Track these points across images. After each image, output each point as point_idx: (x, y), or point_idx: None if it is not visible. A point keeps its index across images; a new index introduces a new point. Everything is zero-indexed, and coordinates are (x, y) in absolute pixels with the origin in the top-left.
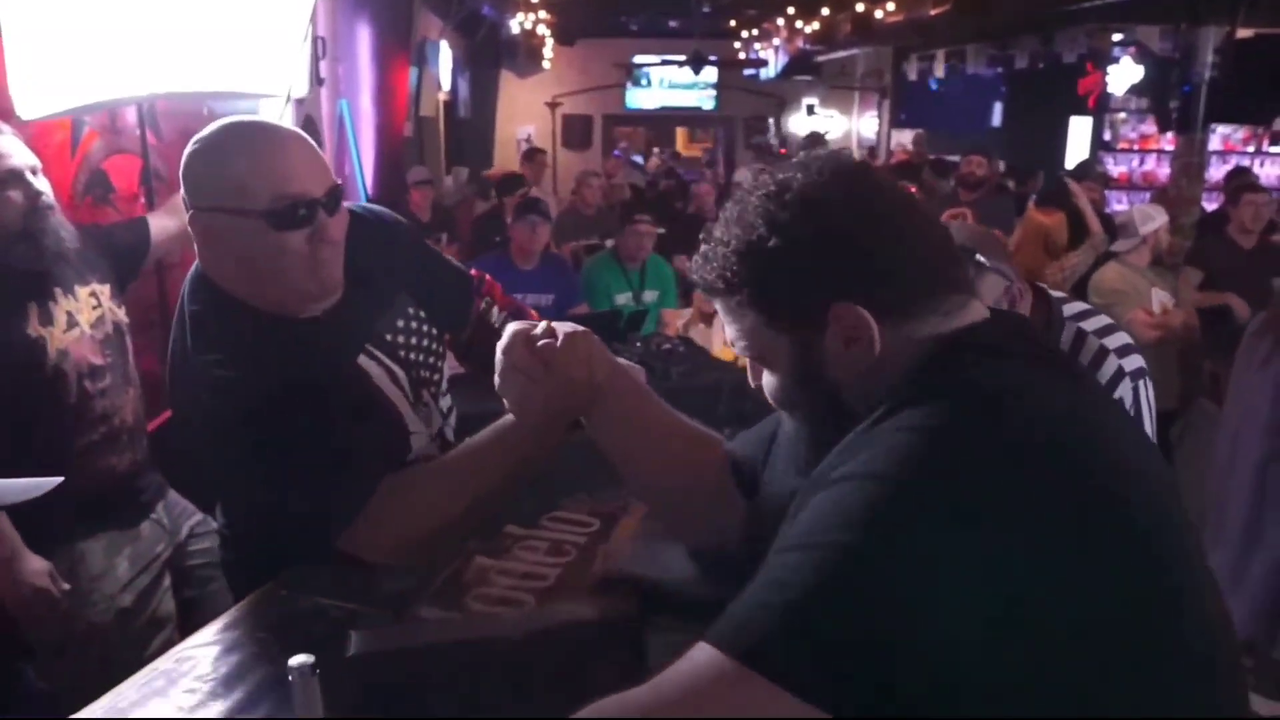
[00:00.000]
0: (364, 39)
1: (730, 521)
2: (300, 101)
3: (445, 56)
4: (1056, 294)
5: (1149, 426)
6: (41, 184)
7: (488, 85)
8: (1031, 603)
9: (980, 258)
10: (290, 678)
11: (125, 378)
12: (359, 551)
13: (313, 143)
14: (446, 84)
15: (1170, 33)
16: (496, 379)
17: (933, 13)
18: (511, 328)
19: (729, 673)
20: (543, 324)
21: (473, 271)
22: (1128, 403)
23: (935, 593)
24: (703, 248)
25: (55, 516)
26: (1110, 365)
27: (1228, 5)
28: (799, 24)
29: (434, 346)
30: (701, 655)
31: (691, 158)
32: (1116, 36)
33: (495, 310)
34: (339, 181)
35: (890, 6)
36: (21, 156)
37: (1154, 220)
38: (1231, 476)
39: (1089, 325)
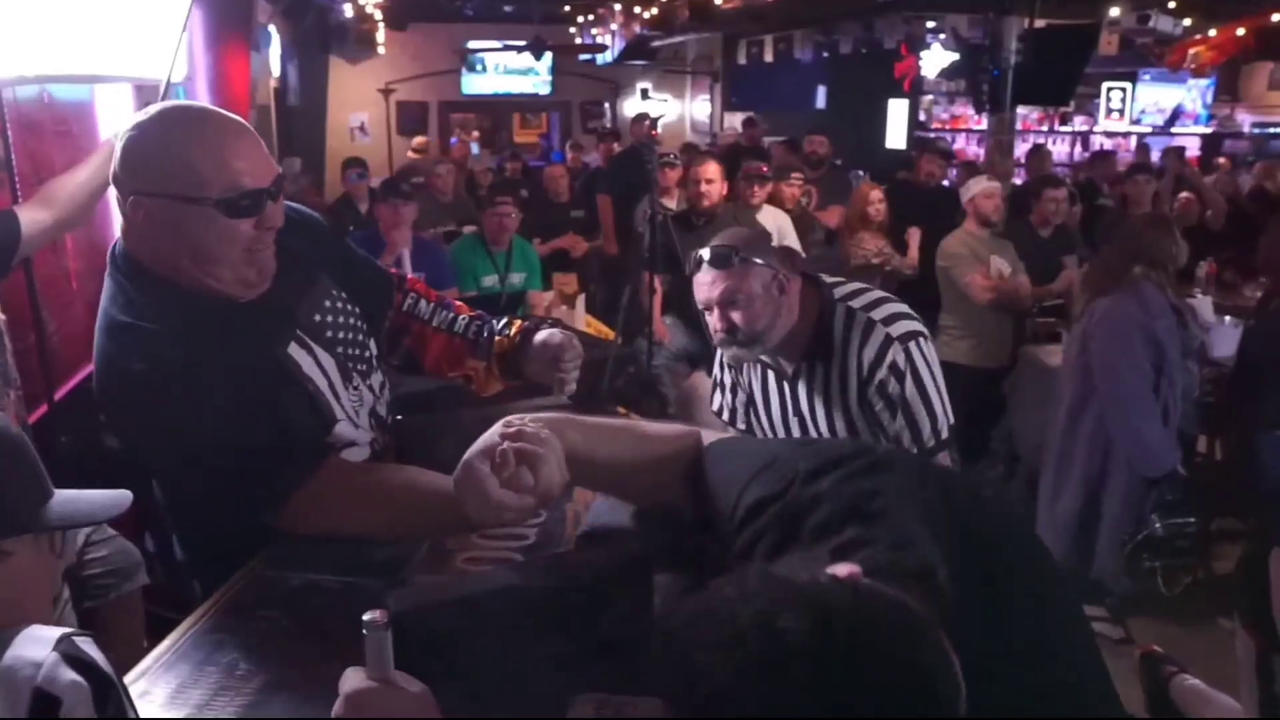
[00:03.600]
0: (195, 21)
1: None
2: (140, 88)
3: (274, 42)
4: (829, 279)
5: (930, 381)
6: None
7: (317, 72)
8: None
9: (744, 255)
10: (365, 632)
11: (4, 379)
12: (297, 527)
13: (255, 132)
14: (276, 70)
15: (979, 21)
16: (459, 488)
17: None
18: (477, 461)
19: None
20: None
21: (392, 270)
22: (901, 363)
23: None
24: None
25: None
26: (878, 335)
27: None
28: (637, 9)
29: (359, 324)
30: None
31: (527, 143)
32: (931, 24)
33: (423, 303)
34: (280, 170)
35: None
36: None
37: (971, 190)
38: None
39: (857, 303)
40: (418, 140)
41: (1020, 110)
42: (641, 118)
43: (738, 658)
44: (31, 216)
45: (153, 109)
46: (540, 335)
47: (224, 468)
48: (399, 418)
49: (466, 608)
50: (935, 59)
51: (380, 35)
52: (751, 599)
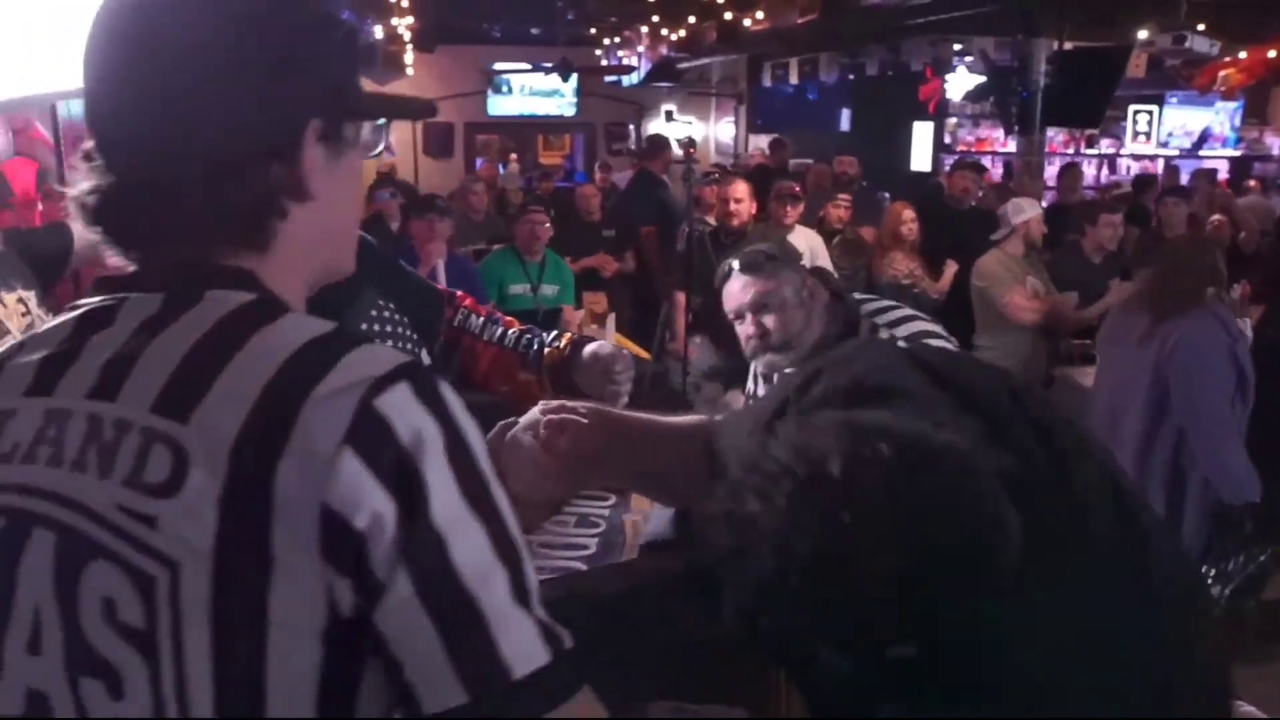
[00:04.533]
0: None
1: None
2: None
3: None
4: (859, 295)
5: None
6: None
7: None
8: None
9: (775, 259)
10: None
11: None
12: None
13: None
14: None
15: (1007, 44)
16: (503, 458)
17: (800, 20)
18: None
19: None
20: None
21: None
22: None
23: None
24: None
25: None
26: None
27: (1055, 20)
28: (664, 31)
29: (408, 334)
30: None
31: (551, 165)
32: (957, 46)
33: (473, 317)
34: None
35: (759, 15)
36: None
37: (1025, 212)
38: (1117, 448)
39: (882, 320)
40: (385, 160)
41: (1048, 132)
42: (657, 141)
43: (789, 492)
44: (83, 230)
45: None
46: (590, 347)
47: None
48: None
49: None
50: (960, 81)
51: (408, 57)
52: (794, 441)
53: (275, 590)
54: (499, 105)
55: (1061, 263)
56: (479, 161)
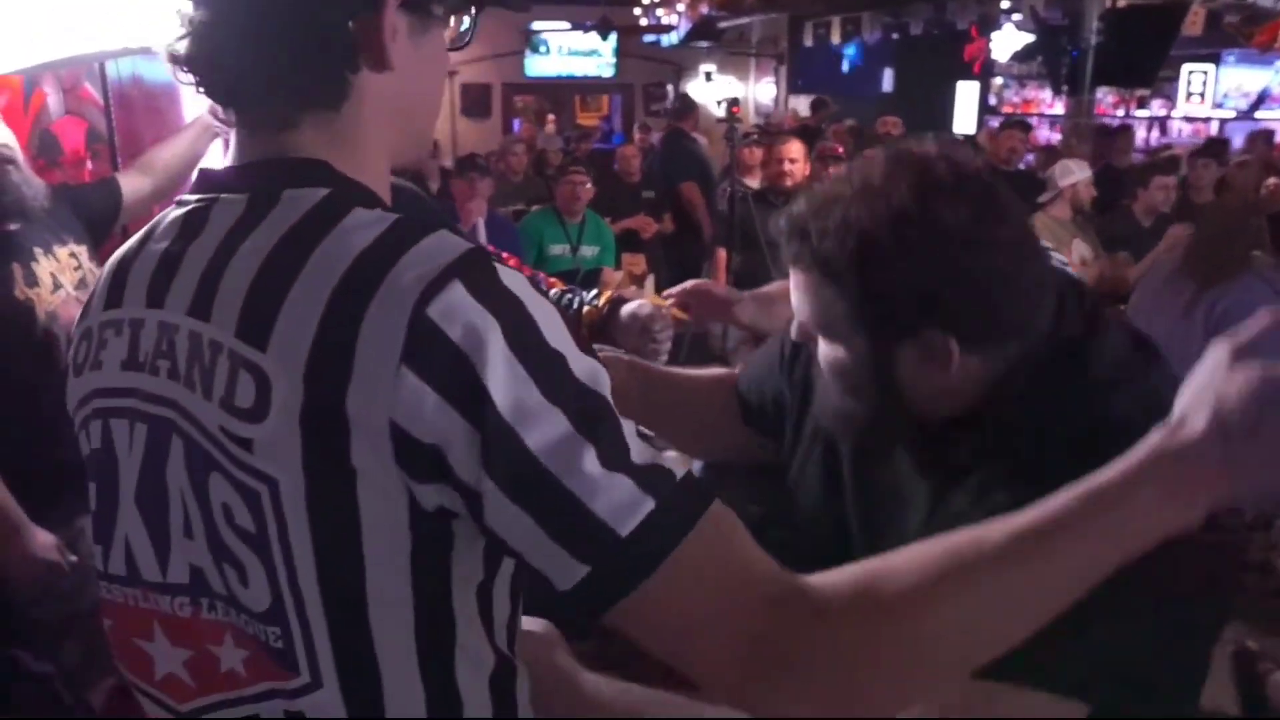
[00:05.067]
0: None
1: (734, 441)
2: None
3: None
4: None
5: None
6: (3, 134)
7: None
8: None
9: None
10: None
11: None
12: None
13: None
14: None
15: (1057, 1)
16: None
17: None
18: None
19: None
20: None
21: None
22: None
23: None
24: (800, 209)
25: (55, 490)
26: None
27: None
28: None
29: None
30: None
31: (588, 126)
32: (1005, 4)
33: None
34: None
35: None
36: None
37: (1073, 174)
38: None
39: None
40: None
41: (1096, 93)
42: (687, 100)
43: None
44: (131, 184)
45: None
46: (629, 306)
47: None
48: None
49: None
50: (1007, 40)
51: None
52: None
53: (363, 496)
54: (537, 65)
55: (1112, 225)
56: (516, 123)
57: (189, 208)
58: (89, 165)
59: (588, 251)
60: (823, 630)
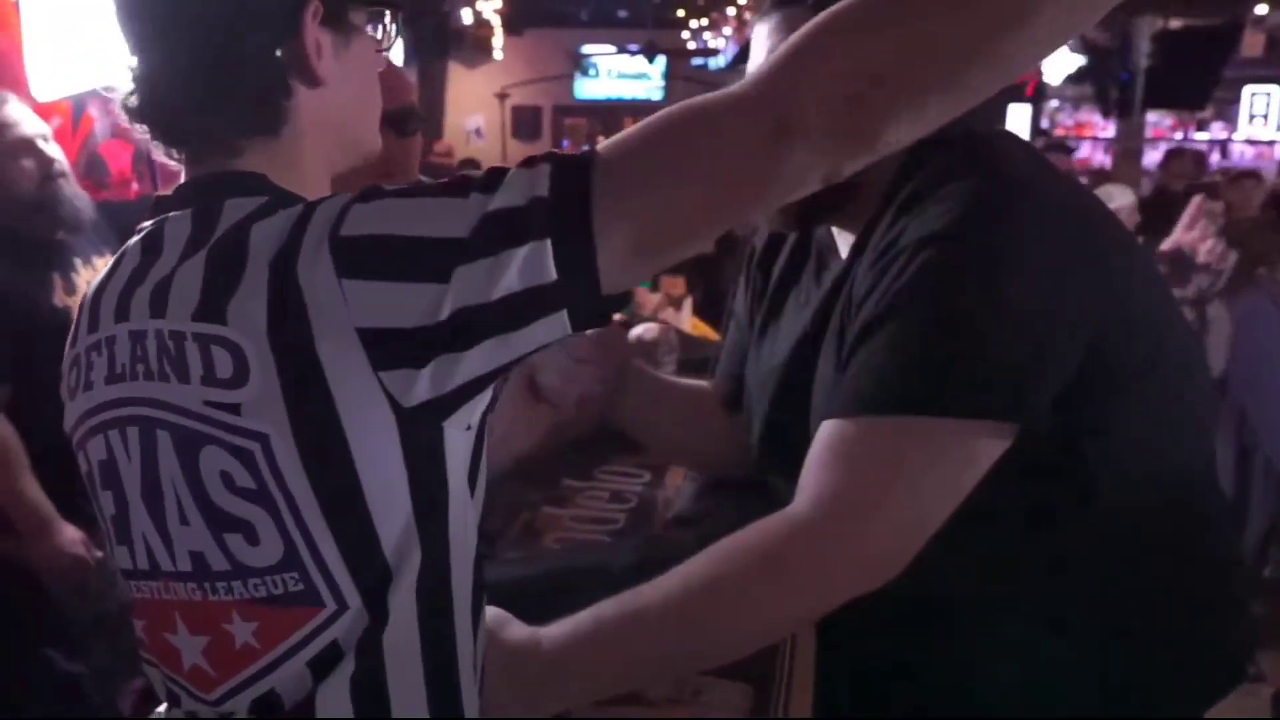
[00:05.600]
0: None
1: (732, 450)
2: None
3: (397, 46)
4: None
5: None
6: (54, 151)
7: (436, 76)
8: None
9: None
10: None
11: None
12: None
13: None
14: None
15: (1108, 22)
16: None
17: None
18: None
19: (895, 428)
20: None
21: None
22: None
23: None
24: None
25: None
26: None
27: None
28: (748, 16)
29: None
30: (856, 429)
31: None
32: None
33: None
34: (413, 103)
35: None
36: (32, 124)
37: (1114, 199)
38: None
39: None
40: (440, 145)
41: (1152, 117)
42: None
43: None
44: None
45: None
46: (636, 330)
47: None
48: None
49: (552, 582)
50: (1059, 63)
51: (497, 40)
52: None
53: (347, 421)
54: (586, 88)
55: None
56: (564, 144)
57: (145, 231)
58: (134, 186)
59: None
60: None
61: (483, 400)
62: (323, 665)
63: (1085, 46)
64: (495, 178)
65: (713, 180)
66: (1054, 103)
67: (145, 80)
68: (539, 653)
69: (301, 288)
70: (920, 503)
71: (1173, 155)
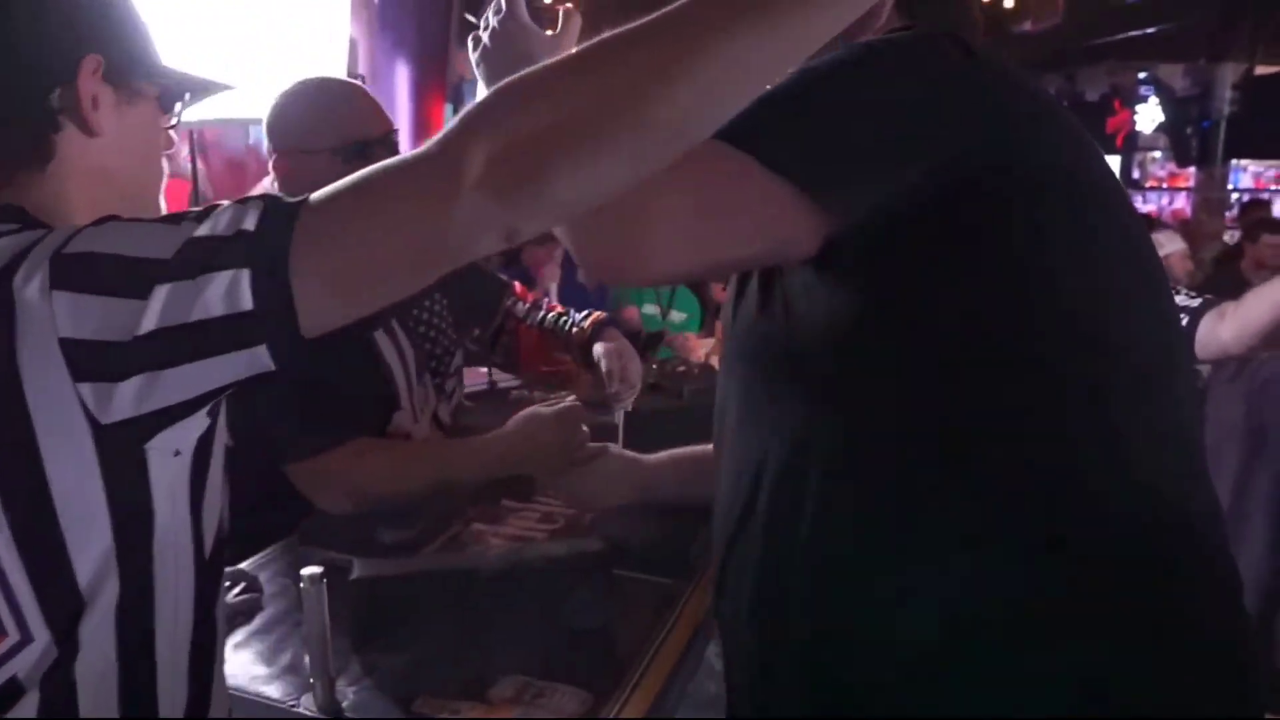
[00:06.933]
0: (402, 77)
1: None
2: None
3: (479, 92)
4: None
5: None
6: None
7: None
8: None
9: None
10: (302, 585)
11: None
12: (306, 490)
13: (370, 94)
14: None
15: (1190, 70)
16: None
17: None
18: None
19: (720, 150)
20: None
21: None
22: None
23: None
24: None
25: None
26: None
27: (1246, 42)
28: None
29: (449, 331)
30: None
31: None
32: (1141, 74)
33: (520, 303)
34: (395, 128)
35: None
36: None
37: (1163, 247)
38: (1217, 479)
39: None
40: None
41: (1253, 167)
42: None
43: None
44: None
45: (293, 84)
46: (598, 348)
47: (277, 405)
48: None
49: (420, 582)
50: (1151, 112)
51: None
52: None
53: (45, 443)
54: None
55: (1219, 282)
56: None
57: None
58: None
59: (677, 317)
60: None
61: (191, 427)
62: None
63: (1160, 93)
64: (210, 210)
65: (397, 230)
66: (1156, 153)
67: None
68: None
69: (14, 300)
70: (696, 208)
71: (1247, 207)
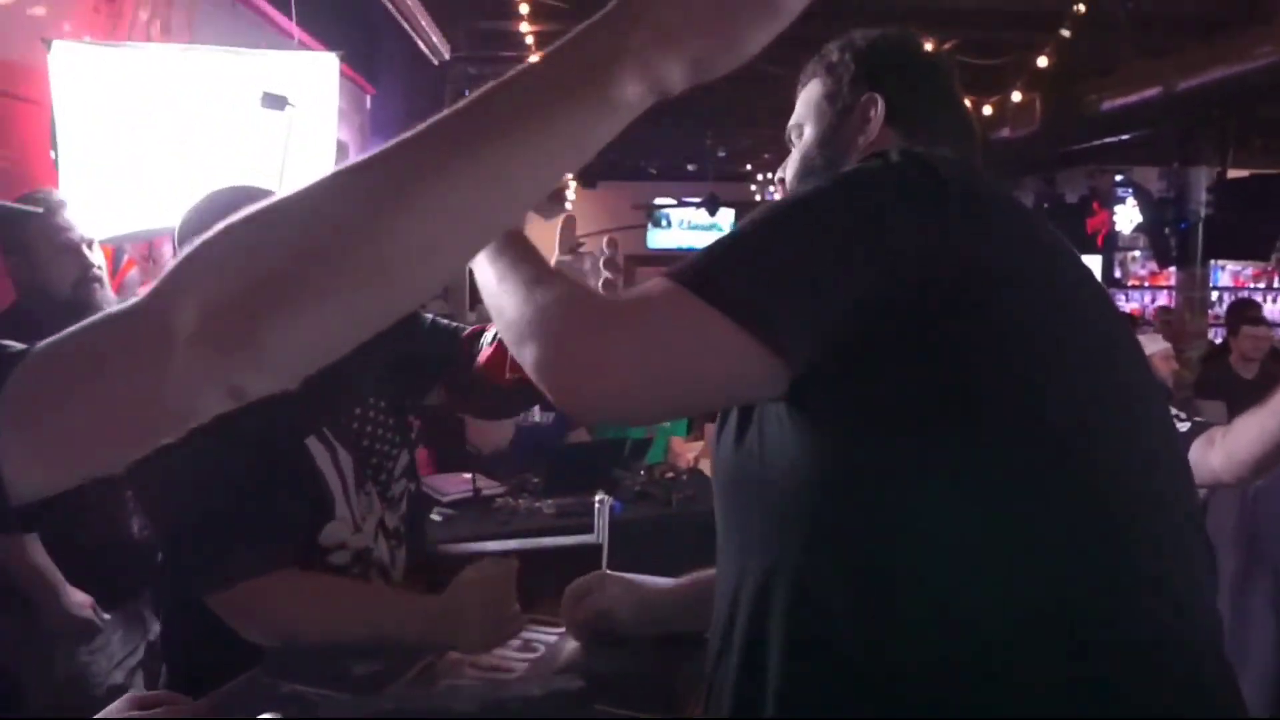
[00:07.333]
0: None
1: None
2: None
3: None
4: None
5: None
6: (96, 257)
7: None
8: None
9: None
10: None
11: None
12: (229, 621)
13: None
14: None
15: (1165, 173)
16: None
17: None
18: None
19: (673, 291)
20: None
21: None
22: None
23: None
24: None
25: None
26: None
27: (1218, 146)
28: None
29: (392, 437)
30: (656, 283)
31: None
32: (1118, 177)
33: (476, 342)
34: None
35: None
36: (81, 230)
37: (1145, 348)
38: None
39: None
40: None
41: (1231, 266)
42: None
43: None
44: None
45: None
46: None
47: (196, 530)
48: (442, 546)
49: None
50: (1130, 213)
51: (571, 193)
52: None
53: None
54: (658, 239)
55: (1216, 388)
56: None
57: None
58: None
59: (666, 423)
60: None
61: None
62: None
63: (1138, 195)
64: None
65: (109, 388)
66: (1132, 253)
67: None
68: None
69: None
70: (658, 357)
71: (1233, 307)
